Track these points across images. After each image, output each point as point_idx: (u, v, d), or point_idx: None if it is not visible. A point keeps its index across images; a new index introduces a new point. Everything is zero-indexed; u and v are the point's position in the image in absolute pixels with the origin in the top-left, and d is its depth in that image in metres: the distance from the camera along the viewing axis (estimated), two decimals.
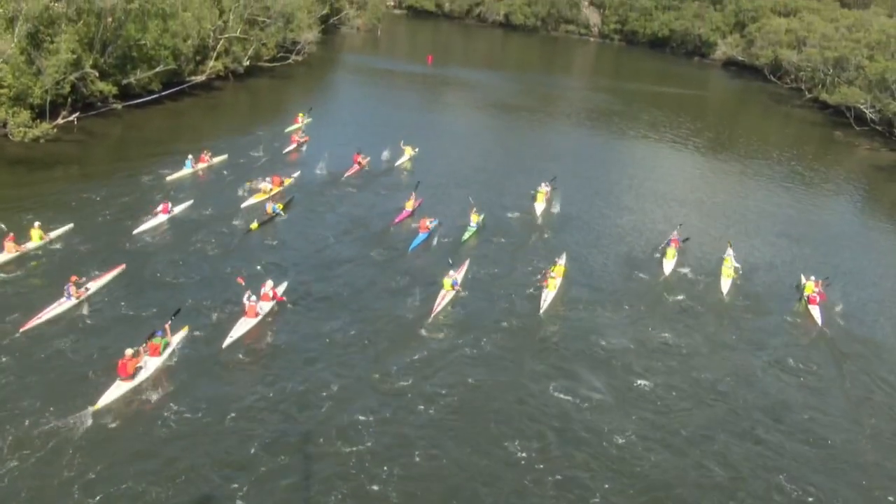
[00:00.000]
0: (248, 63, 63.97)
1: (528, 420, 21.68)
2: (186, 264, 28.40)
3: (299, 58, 73.78)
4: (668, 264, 33.66)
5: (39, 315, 23.12)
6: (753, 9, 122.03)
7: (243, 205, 35.08)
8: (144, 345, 21.60)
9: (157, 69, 49.65)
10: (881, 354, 28.41)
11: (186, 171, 38.62)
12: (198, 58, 57.58)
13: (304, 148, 46.36)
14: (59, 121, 42.59)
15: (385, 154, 45.33)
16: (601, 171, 50.62)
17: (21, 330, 22.45)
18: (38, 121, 39.20)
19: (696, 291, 32.02)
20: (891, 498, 20.39)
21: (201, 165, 39.65)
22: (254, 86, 64.86)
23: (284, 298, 26.29)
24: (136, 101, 49.16)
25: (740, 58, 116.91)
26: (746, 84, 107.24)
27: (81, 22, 43.62)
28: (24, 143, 38.31)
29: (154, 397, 20.37)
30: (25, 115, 38.59)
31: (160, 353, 21.44)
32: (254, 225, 32.55)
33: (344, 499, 17.92)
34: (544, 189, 41.00)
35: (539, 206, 39.78)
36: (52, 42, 40.82)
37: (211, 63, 58.76)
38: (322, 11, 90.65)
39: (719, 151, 62.96)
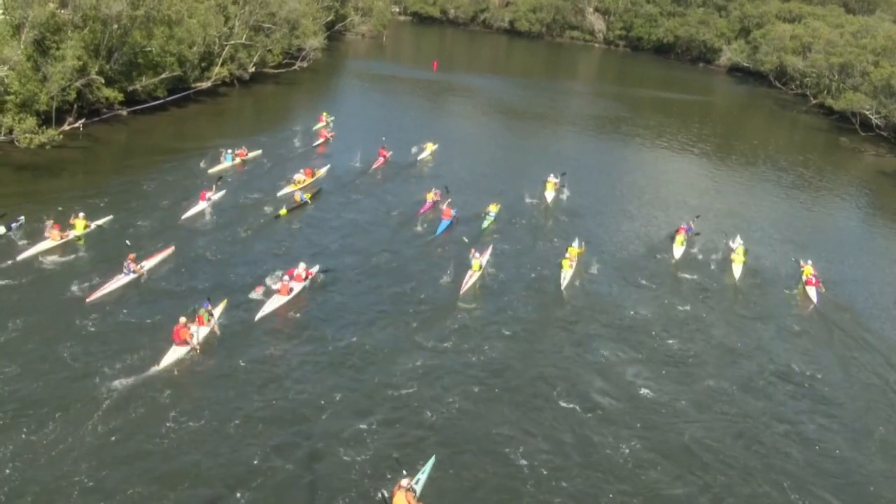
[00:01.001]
0: (253, 69, 64.12)
1: (553, 403, 22.71)
2: (225, 245, 31.15)
3: (304, 64, 74.00)
4: (678, 250, 35.89)
5: (102, 288, 25.78)
6: (758, 15, 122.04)
7: (278, 194, 37.79)
8: (192, 315, 24.00)
9: (163, 76, 49.85)
10: (869, 329, 30.87)
11: (227, 164, 41.48)
12: (203, 64, 57.71)
13: (331, 143, 49.47)
14: (65, 127, 42.74)
15: (412, 149, 48.51)
16: (607, 176, 50.46)
17: (88, 300, 25.06)
18: (44, 127, 39.22)
19: (707, 275, 34.31)
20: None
21: (239, 159, 42.56)
22: (259, 92, 65.03)
23: (313, 273, 28.56)
24: (141, 107, 49.29)
25: (745, 64, 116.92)
26: (752, 90, 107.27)
27: (87, 29, 43.76)
28: (30, 149, 38.33)
29: (202, 362, 22.70)
30: (31, 121, 38.59)
31: (205, 323, 23.77)
32: (282, 211, 35.19)
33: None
34: (553, 180, 43.10)
35: (549, 195, 42.08)
36: (58, 49, 40.96)
37: (216, 69, 58.87)
38: (327, 18, 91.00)
39: (725, 157, 62.80)
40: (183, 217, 33.29)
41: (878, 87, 74.42)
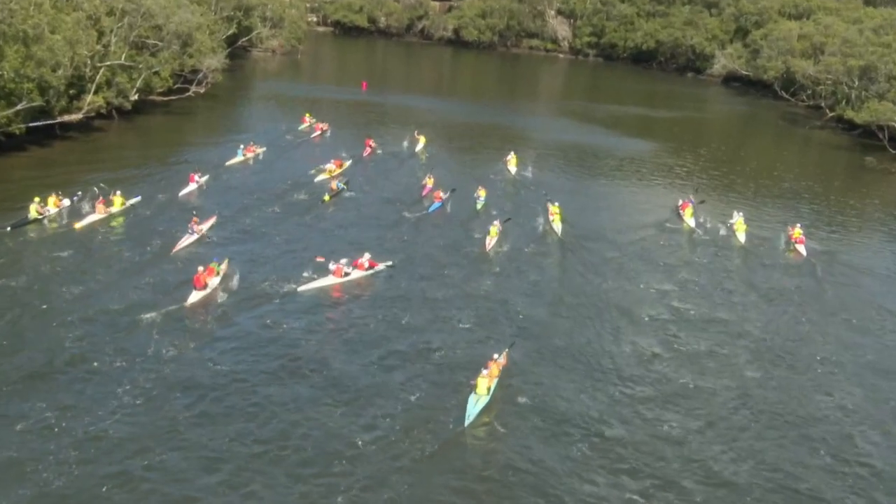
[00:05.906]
0: (136, 97, 63.82)
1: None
2: (270, 224, 43.97)
3: (201, 89, 73.89)
4: (690, 220, 50.26)
5: (180, 243, 39.40)
6: (757, 12, 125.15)
7: (314, 181, 52.34)
8: (205, 267, 35.06)
9: (19, 107, 48.99)
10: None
11: (238, 158, 55.80)
12: (72, 91, 57.09)
13: (327, 135, 67.19)
14: None
15: (404, 142, 65.57)
16: (576, 219, 50.38)
17: (172, 252, 38.36)
18: None
19: (715, 238, 48.59)
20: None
21: (249, 154, 56.92)
22: (145, 125, 64.77)
23: (378, 266, 38.36)
24: None
25: (744, 71, 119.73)
26: (753, 103, 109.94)
27: None
28: None
29: (219, 301, 34.10)
30: None
31: (214, 275, 35.16)
32: (325, 197, 48.61)
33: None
34: (512, 156, 61.61)
35: (513, 169, 60.56)
36: None
37: (89, 98, 58.25)
38: (228, 32, 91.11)
39: (726, 187, 63.46)
40: (179, 195, 46.92)
41: None
